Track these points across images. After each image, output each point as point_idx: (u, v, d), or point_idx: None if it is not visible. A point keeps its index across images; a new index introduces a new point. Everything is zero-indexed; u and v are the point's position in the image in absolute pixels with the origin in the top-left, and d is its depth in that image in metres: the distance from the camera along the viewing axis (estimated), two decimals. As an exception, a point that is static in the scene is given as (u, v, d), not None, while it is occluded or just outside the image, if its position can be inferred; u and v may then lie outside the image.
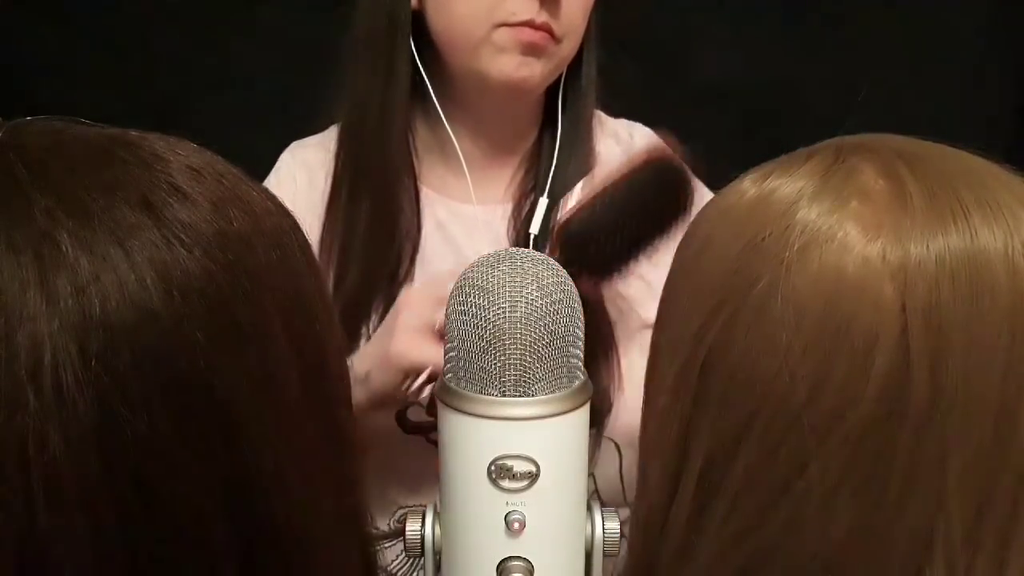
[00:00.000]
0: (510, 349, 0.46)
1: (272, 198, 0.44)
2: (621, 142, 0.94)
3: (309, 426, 0.42)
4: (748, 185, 0.46)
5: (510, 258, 0.48)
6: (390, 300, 0.81)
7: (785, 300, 0.41)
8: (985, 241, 0.39)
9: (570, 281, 0.49)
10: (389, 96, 0.81)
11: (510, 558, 0.48)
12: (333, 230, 0.83)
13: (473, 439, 0.47)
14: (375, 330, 0.78)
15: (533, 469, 0.47)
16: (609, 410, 0.82)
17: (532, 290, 0.46)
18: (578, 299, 0.49)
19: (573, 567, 0.51)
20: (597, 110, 0.89)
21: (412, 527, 0.51)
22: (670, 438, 0.46)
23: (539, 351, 0.46)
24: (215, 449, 0.38)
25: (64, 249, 0.35)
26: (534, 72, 0.78)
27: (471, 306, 0.47)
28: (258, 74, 1.41)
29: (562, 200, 0.83)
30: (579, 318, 0.49)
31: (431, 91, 0.82)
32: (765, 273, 0.41)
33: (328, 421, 0.45)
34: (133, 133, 0.41)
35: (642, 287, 0.85)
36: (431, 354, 0.65)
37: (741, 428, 0.42)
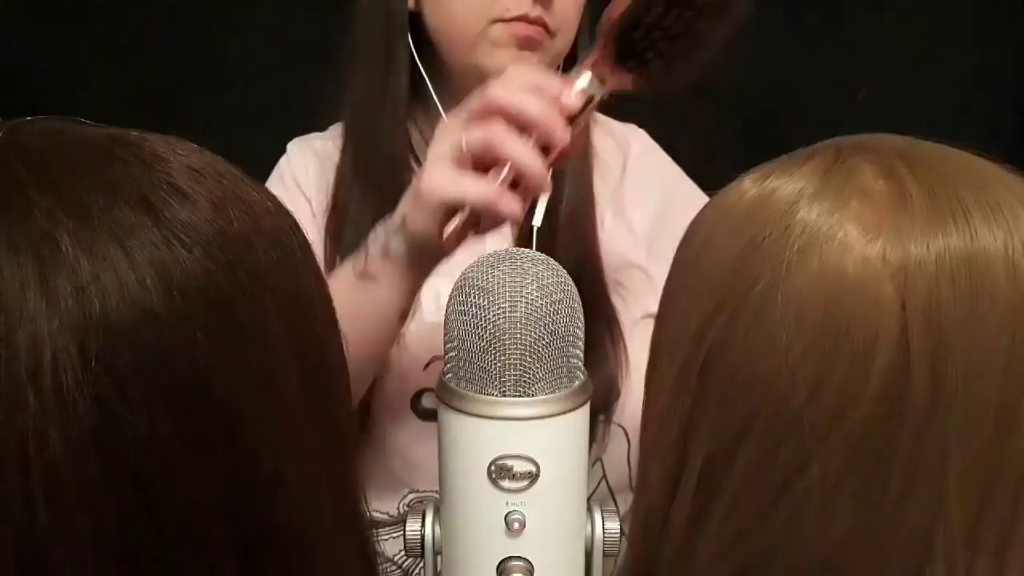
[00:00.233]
0: (510, 349, 0.46)
1: (272, 198, 0.44)
2: (618, 141, 0.94)
3: (309, 426, 0.42)
4: (748, 185, 0.46)
5: (510, 258, 0.48)
6: None
7: (785, 300, 0.41)
8: (985, 241, 0.39)
9: (570, 281, 0.49)
10: (390, 94, 0.83)
11: (510, 558, 0.48)
12: (339, 224, 0.84)
13: (473, 439, 0.47)
14: None
15: (533, 469, 0.47)
16: (617, 396, 0.83)
17: (532, 290, 0.46)
18: (578, 299, 0.49)
19: (573, 567, 0.51)
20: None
21: (412, 527, 0.51)
22: (670, 438, 0.46)
23: (539, 351, 0.46)
24: (215, 449, 0.38)
25: (64, 249, 0.35)
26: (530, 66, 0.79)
27: (471, 306, 0.47)
28: (258, 74, 1.41)
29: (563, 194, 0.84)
30: (579, 318, 0.49)
31: (431, 88, 0.83)
32: (765, 273, 0.41)
33: (328, 421, 0.45)
34: (133, 133, 0.41)
35: (642, 278, 0.87)
36: (464, 187, 0.60)
37: (741, 428, 0.42)
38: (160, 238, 0.37)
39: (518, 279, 0.47)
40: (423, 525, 0.51)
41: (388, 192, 0.82)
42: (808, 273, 0.40)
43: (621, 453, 0.87)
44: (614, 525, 0.51)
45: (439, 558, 0.52)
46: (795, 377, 0.40)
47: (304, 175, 0.88)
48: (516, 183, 0.60)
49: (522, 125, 0.58)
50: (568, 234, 0.83)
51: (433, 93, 0.83)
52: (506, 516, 0.47)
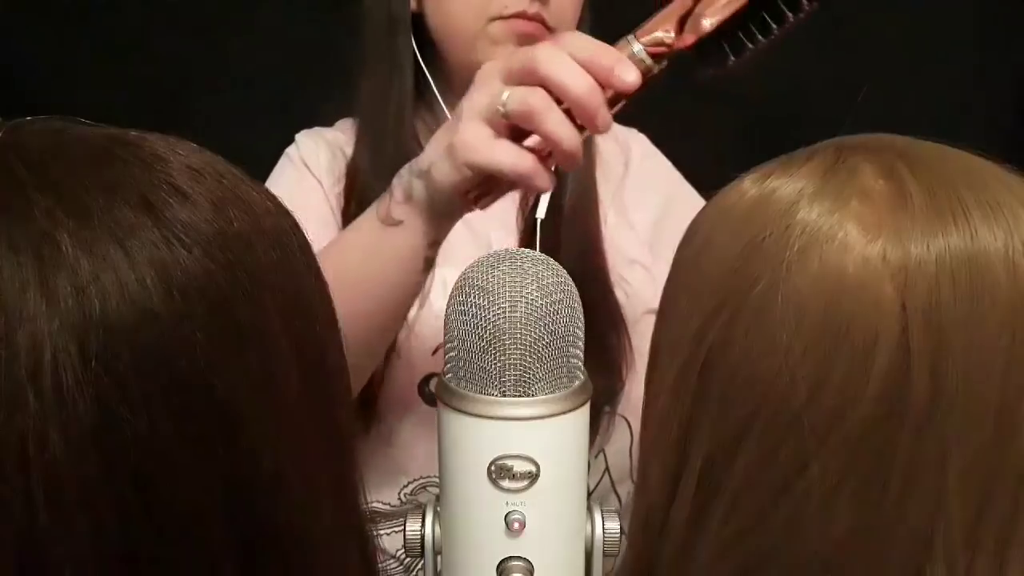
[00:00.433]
0: (510, 349, 0.46)
1: (272, 198, 0.44)
2: (620, 143, 0.95)
3: (309, 426, 0.42)
4: (748, 185, 0.46)
5: (510, 258, 0.48)
6: None
7: (785, 300, 0.41)
8: (985, 241, 0.39)
9: (570, 281, 0.49)
10: (394, 92, 0.85)
11: (510, 558, 0.48)
12: (356, 215, 0.85)
13: (473, 439, 0.47)
14: None
15: (533, 469, 0.47)
16: (621, 388, 0.84)
17: (532, 290, 0.46)
18: (578, 299, 0.49)
19: (573, 567, 0.51)
20: None
21: (412, 527, 0.51)
22: (670, 438, 0.46)
23: (539, 351, 0.46)
24: (215, 449, 0.38)
25: (64, 249, 0.35)
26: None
27: (471, 306, 0.47)
28: (258, 74, 1.41)
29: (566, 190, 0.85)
30: (579, 318, 0.49)
31: (434, 87, 0.86)
32: (765, 273, 0.41)
33: (328, 421, 0.45)
34: (133, 133, 0.41)
35: (644, 276, 0.88)
36: (499, 155, 0.57)
37: (741, 428, 0.42)
38: (160, 238, 0.37)
39: (518, 279, 0.47)
40: (423, 525, 0.51)
41: None
42: (808, 273, 0.40)
43: (624, 445, 0.88)
44: (614, 525, 0.51)
45: (439, 558, 0.52)
46: (795, 377, 0.40)
47: (315, 160, 0.89)
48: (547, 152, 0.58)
49: (564, 99, 0.55)
50: (572, 228, 0.84)
51: (436, 91, 0.86)
52: (506, 516, 0.47)
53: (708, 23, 0.56)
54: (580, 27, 0.87)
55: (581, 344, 0.49)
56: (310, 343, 0.43)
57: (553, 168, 0.59)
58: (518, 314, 0.46)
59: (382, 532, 0.85)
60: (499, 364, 0.46)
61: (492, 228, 0.86)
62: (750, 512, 0.43)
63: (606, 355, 0.83)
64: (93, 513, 0.35)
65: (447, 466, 0.49)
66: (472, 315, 0.47)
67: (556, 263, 0.49)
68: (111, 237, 0.35)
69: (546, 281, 0.47)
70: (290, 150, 0.92)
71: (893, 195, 0.41)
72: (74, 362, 0.34)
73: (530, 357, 0.46)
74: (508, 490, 0.47)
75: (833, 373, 0.40)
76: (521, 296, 0.46)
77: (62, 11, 1.41)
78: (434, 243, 0.66)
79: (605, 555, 0.51)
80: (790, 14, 0.55)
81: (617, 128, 0.95)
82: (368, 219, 0.66)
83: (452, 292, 0.49)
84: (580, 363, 0.49)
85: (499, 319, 0.46)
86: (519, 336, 0.46)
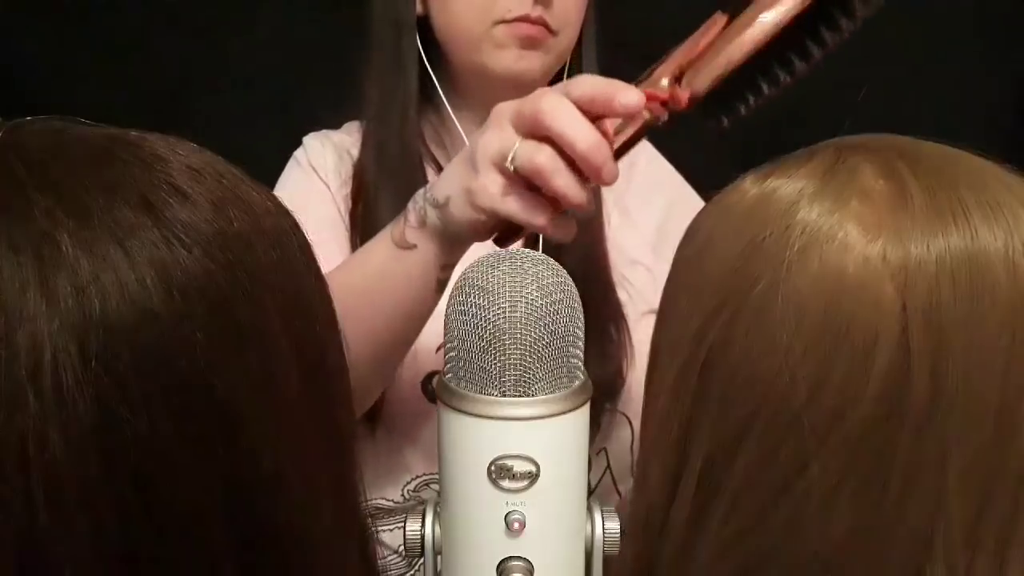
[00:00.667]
0: (510, 349, 0.46)
1: (272, 198, 0.44)
2: None
3: (309, 426, 0.42)
4: (749, 185, 0.46)
5: (510, 258, 0.48)
6: None
7: (786, 300, 0.41)
8: (985, 241, 0.39)
9: (570, 281, 0.49)
10: (400, 94, 0.86)
11: (510, 558, 0.48)
12: (364, 214, 0.87)
13: (473, 439, 0.47)
14: None
15: (533, 469, 0.47)
16: (623, 385, 0.85)
17: (532, 290, 0.46)
18: (578, 299, 0.49)
19: (573, 567, 0.51)
20: None
21: (412, 527, 0.51)
22: (670, 438, 0.46)
23: (539, 351, 0.46)
24: (215, 449, 0.38)
25: (64, 249, 0.35)
26: (533, 65, 0.82)
27: (471, 306, 0.47)
28: (258, 74, 1.41)
29: None
30: (579, 318, 0.49)
31: (439, 89, 0.87)
32: (766, 273, 0.41)
33: (328, 421, 0.45)
34: (133, 133, 0.41)
35: (647, 276, 0.89)
36: (512, 207, 0.58)
37: (741, 428, 0.42)
38: (160, 238, 0.37)
39: (518, 279, 0.47)
40: (423, 525, 0.51)
41: (406, 184, 0.85)
42: (808, 273, 0.40)
43: (625, 442, 0.88)
44: (614, 525, 0.51)
45: (439, 558, 0.52)
46: (795, 377, 0.40)
47: (322, 162, 0.90)
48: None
49: (570, 153, 0.55)
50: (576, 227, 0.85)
51: (441, 92, 0.87)
52: (506, 516, 0.47)
53: (705, 82, 0.54)
54: (585, 30, 0.88)
55: (581, 344, 0.49)
56: (310, 343, 0.43)
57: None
58: (518, 314, 0.46)
59: (385, 528, 0.86)
60: (499, 364, 0.46)
61: None
62: (750, 512, 0.43)
63: (607, 352, 0.84)
64: (93, 513, 0.35)
65: (447, 466, 0.49)
66: (472, 315, 0.47)
67: (556, 263, 0.49)
68: (111, 237, 0.35)
69: (546, 281, 0.47)
70: (297, 153, 0.93)
71: (893, 195, 0.41)
72: (74, 362, 0.34)
73: (530, 357, 0.46)
74: (508, 490, 0.47)
75: (833, 373, 0.40)
76: (521, 296, 0.46)
77: (62, 11, 1.41)
78: (446, 266, 0.67)
79: (605, 555, 0.51)
80: (800, 63, 0.51)
81: None
82: (382, 240, 0.68)
83: (452, 292, 0.49)
84: (580, 363, 0.49)
85: (499, 319, 0.46)
86: (519, 336, 0.46)
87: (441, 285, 0.68)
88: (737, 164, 0.49)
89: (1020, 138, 1.49)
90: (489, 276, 0.47)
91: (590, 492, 0.51)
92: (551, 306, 0.47)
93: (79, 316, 0.34)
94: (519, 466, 0.46)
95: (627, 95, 0.54)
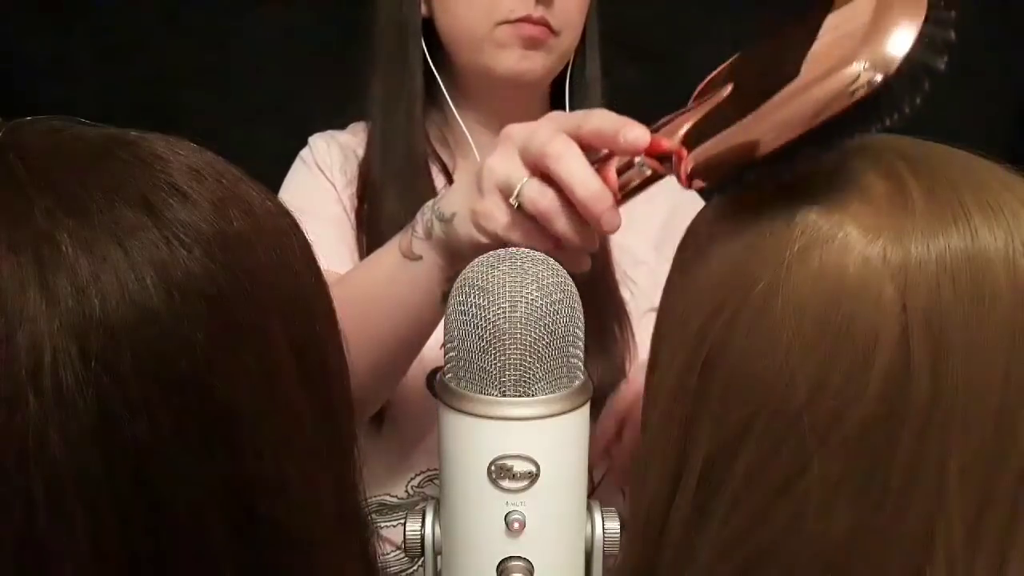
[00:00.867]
0: (510, 349, 0.46)
1: (272, 198, 0.44)
2: None
3: (309, 426, 0.42)
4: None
5: (510, 258, 0.48)
6: None
7: (786, 300, 0.41)
8: (986, 242, 0.39)
9: (570, 281, 0.49)
10: (405, 95, 0.88)
11: (510, 558, 0.48)
12: (370, 215, 0.88)
13: (473, 439, 0.47)
14: None
15: (533, 469, 0.47)
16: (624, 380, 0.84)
17: (532, 290, 0.46)
18: (578, 299, 0.49)
19: (573, 567, 0.51)
20: None
21: (412, 527, 0.51)
22: (670, 438, 0.46)
23: (539, 351, 0.46)
24: (215, 449, 0.38)
25: (64, 249, 0.35)
26: (535, 65, 0.83)
27: (471, 306, 0.47)
28: (258, 74, 1.41)
29: None
30: (579, 318, 0.49)
31: (443, 89, 0.89)
32: (766, 273, 0.41)
33: (328, 421, 0.45)
34: (133, 133, 0.41)
35: (650, 276, 0.89)
36: (515, 236, 0.58)
37: (741, 428, 0.42)
38: (160, 238, 0.37)
39: (518, 279, 0.47)
40: (423, 525, 0.51)
41: (410, 183, 0.87)
42: (809, 273, 0.40)
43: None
44: (614, 525, 0.51)
45: (439, 558, 0.52)
46: (795, 377, 0.40)
47: (328, 161, 0.91)
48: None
49: (572, 200, 0.55)
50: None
51: (445, 93, 0.89)
52: (506, 516, 0.47)
53: (713, 179, 0.47)
54: (587, 30, 0.89)
55: (581, 344, 0.49)
56: (310, 343, 0.43)
57: None
58: (518, 314, 0.46)
59: (389, 524, 0.86)
60: (499, 364, 0.46)
61: None
62: (750, 512, 0.43)
63: (611, 350, 0.84)
64: (93, 513, 0.35)
65: (447, 466, 0.49)
66: (472, 315, 0.47)
67: (556, 263, 0.49)
68: (111, 237, 0.35)
69: (546, 281, 0.47)
70: (303, 153, 0.93)
71: (893, 195, 0.41)
72: (74, 362, 0.34)
73: (530, 357, 0.46)
74: (508, 490, 0.47)
75: (833, 373, 0.40)
76: (521, 296, 0.46)
77: (62, 11, 1.41)
78: (452, 278, 0.67)
79: (605, 555, 0.51)
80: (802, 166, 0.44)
81: None
82: (389, 250, 0.68)
83: (452, 292, 0.49)
84: (580, 363, 0.49)
85: (499, 319, 0.46)
86: (519, 336, 0.46)
87: (447, 296, 0.68)
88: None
89: (1020, 138, 1.49)
90: (489, 276, 0.47)
91: (589, 494, 0.51)
92: (551, 306, 0.47)
93: (79, 316, 0.34)
94: (519, 466, 0.46)
95: (632, 131, 0.54)
